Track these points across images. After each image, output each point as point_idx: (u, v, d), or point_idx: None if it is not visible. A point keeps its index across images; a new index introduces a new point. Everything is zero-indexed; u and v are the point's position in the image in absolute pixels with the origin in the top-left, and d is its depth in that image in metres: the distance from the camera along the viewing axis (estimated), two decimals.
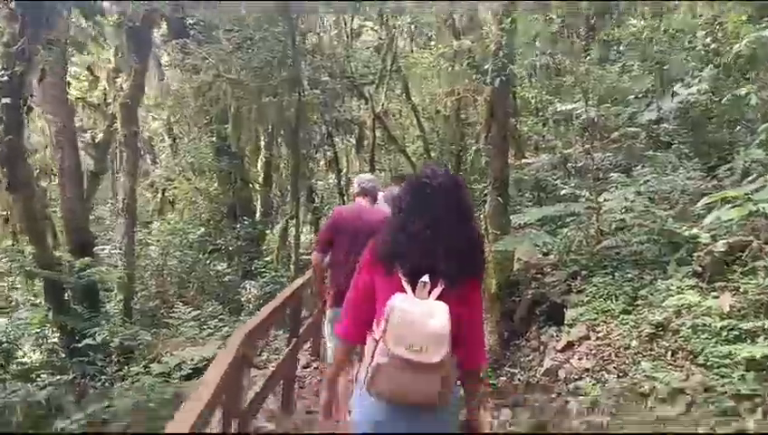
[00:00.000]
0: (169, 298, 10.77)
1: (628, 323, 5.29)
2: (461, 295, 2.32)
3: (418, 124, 16.57)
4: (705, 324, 4.64)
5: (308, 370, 8.27)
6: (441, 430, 2.38)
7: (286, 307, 6.47)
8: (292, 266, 11.41)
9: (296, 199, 12.76)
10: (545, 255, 8.05)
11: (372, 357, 2.26)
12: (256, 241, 13.90)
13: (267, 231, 14.87)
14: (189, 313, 9.07)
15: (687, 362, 4.44)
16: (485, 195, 8.36)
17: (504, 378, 6.97)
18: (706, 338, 4.54)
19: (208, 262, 12.19)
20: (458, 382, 2.41)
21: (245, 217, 13.89)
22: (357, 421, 2.43)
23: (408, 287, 2.28)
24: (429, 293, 2.27)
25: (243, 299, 11.36)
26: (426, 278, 2.26)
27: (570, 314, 6.08)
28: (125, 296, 9.14)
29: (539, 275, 7.41)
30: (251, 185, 15.30)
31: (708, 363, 4.31)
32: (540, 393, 5.41)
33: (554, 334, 6.18)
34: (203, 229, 13.33)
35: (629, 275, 6.08)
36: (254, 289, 11.26)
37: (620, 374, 4.71)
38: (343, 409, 3.19)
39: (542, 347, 6.67)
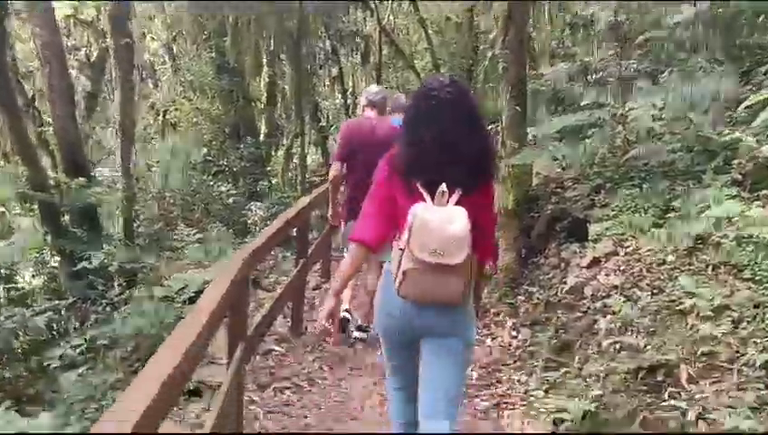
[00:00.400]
0: (173, 221, 10.45)
1: (660, 237, 4.88)
2: (475, 201, 2.47)
3: (426, 37, 15.75)
4: (749, 236, 4.22)
5: (317, 292, 8.00)
6: (460, 324, 2.59)
7: (291, 227, 6.11)
8: (298, 187, 11.03)
9: (301, 118, 12.24)
10: (564, 169, 7.59)
11: (399, 265, 2.44)
12: (261, 162, 13.48)
13: (272, 152, 14.43)
14: (194, 235, 8.77)
15: (731, 277, 4.05)
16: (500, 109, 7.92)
17: (522, 297, 6.66)
18: (752, 251, 4.13)
19: (212, 183, 11.79)
20: None
21: (249, 138, 13.40)
22: (382, 311, 2.68)
23: (427, 197, 2.41)
24: (447, 200, 2.41)
25: (249, 221, 11.04)
26: (444, 187, 2.39)
27: (594, 229, 5.68)
28: (125, 219, 8.79)
29: (559, 190, 6.98)
30: (254, 104, 14.73)
31: (756, 278, 3.92)
32: (563, 311, 5.08)
33: (577, 251, 5.79)
34: (206, 150, 12.85)
35: (660, 187, 5.63)
36: (260, 211, 10.93)
37: (654, 291, 4.34)
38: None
39: (562, 265, 6.31)
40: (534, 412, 4.39)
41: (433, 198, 2.41)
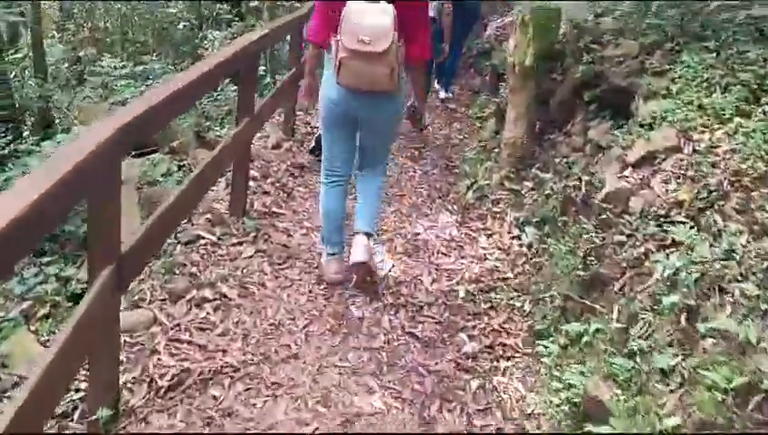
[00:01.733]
0: (105, 48, 8.46)
1: (751, 130, 3.32)
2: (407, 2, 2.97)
3: None
4: None
5: (277, 151, 6.44)
6: (391, 108, 3.30)
7: (226, 69, 4.36)
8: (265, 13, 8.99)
9: None
10: (603, 16, 5.77)
11: (336, 55, 3.00)
12: None
13: None
14: (126, 67, 6.95)
15: None
16: None
17: (530, 183, 5.19)
18: None
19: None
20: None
21: None
22: (326, 97, 3.34)
23: None
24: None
25: (205, 53, 9.10)
26: None
27: (646, 108, 4.08)
28: (34, 42, 6.83)
29: (595, 46, 5.23)
30: None
31: None
32: (596, 227, 3.63)
33: (618, 137, 4.22)
34: None
35: (749, 54, 3.97)
36: (218, 41, 8.94)
37: (744, 221, 2.87)
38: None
39: (588, 147, 4.76)
40: (543, 376, 3.09)
41: None
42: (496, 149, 5.90)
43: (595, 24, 5.53)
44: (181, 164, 5.29)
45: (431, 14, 5.57)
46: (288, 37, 6.64)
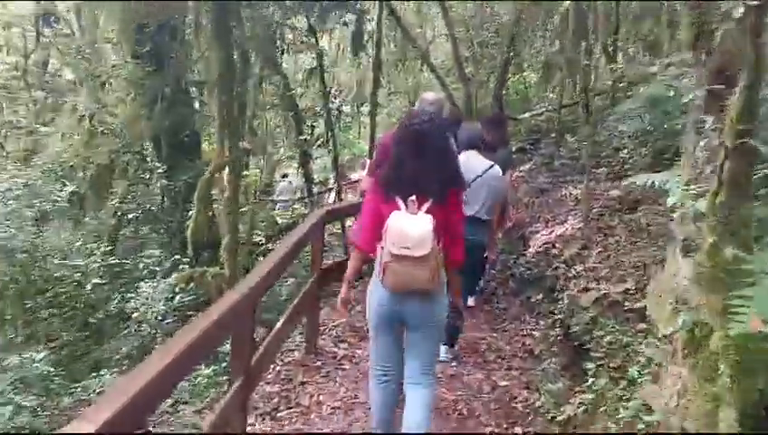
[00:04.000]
0: None
1: None
2: (444, 208, 3.14)
3: (445, 18, 11.12)
4: None
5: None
6: (433, 307, 3.27)
7: None
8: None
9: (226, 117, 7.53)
10: None
11: (381, 260, 3.15)
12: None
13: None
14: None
15: None
16: None
17: None
18: None
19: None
20: None
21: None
22: (374, 300, 3.34)
23: (402, 205, 3.11)
24: (418, 208, 3.10)
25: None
26: (413, 198, 3.11)
27: None
28: None
29: None
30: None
31: None
32: None
33: None
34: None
35: None
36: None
37: None
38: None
39: None
40: None
41: (407, 207, 3.11)
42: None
43: None
44: None
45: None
46: None
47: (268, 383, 4.71)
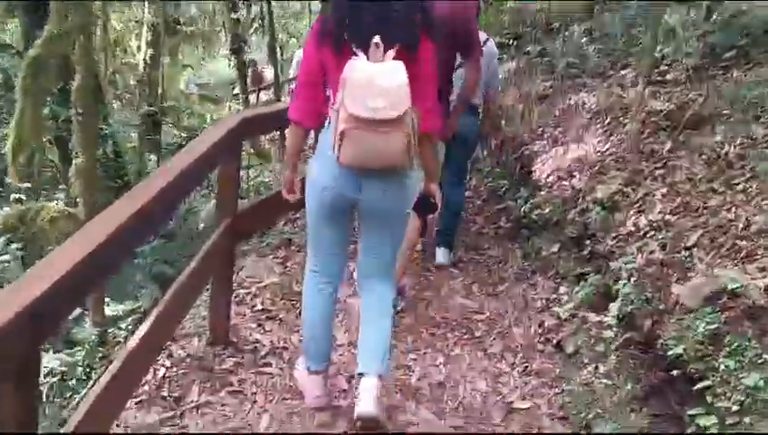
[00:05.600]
0: None
1: None
2: (415, 56, 2.30)
3: None
4: None
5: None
6: (403, 191, 2.49)
7: None
8: None
9: None
10: None
11: (336, 127, 2.27)
12: None
13: None
14: None
15: None
16: None
17: None
18: None
19: None
20: None
21: None
22: (317, 182, 2.50)
23: (361, 54, 2.25)
24: (384, 55, 2.23)
25: None
26: (377, 39, 2.21)
27: None
28: None
29: None
30: None
31: None
32: None
33: None
34: None
35: None
36: None
37: None
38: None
39: None
40: None
41: (368, 55, 2.24)
42: None
43: None
44: None
45: None
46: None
47: (139, 404, 2.81)
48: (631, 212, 3.77)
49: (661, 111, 4.83)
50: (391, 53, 2.25)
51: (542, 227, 4.75)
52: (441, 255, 4.56)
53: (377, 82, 2.20)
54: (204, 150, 2.72)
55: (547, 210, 4.75)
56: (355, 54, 2.27)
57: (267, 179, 7.14)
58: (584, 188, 4.49)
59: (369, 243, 2.67)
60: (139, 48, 10.30)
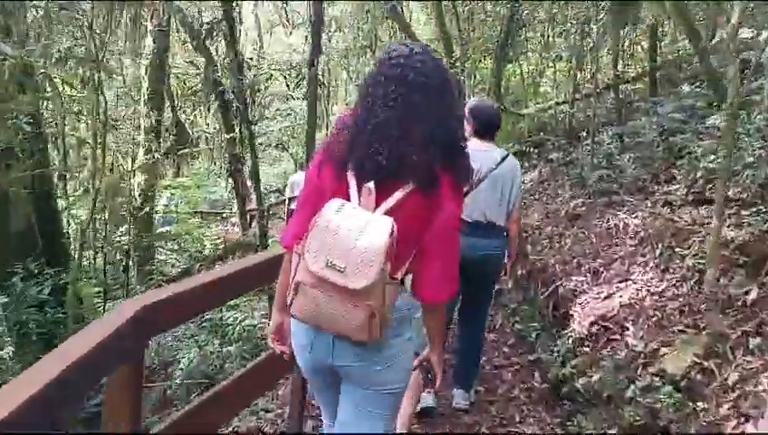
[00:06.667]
0: None
1: None
2: (429, 198, 1.77)
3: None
4: None
5: None
6: (384, 360, 1.91)
7: None
8: None
9: None
10: None
11: (294, 273, 1.85)
12: None
13: None
14: None
15: None
16: None
17: None
18: None
19: None
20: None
21: None
22: (293, 337, 2.05)
23: (354, 192, 1.80)
24: (381, 200, 1.77)
25: None
26: (370, 185, 1.78)
27: None
28: None
29: None
30: None
31: None
32: None
33: None
34: None
35: None
36: None
37: None
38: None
39: None
40: None
41: (359, 199, 1.80)
42: None
43: None
44: None
45: None
46: None
47: None
48: (722, 400, 2.64)
49: (732, 240, 3.78)
50: (398, 195, 1.77)
51: (589, 401, 3.58)
52: (459, 396, 3.91)
53: (344, 236, 1.71)
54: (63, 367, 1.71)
55: (595, 377, 3.61)
56: (348, 188, 1.82)
57: (256, 322, 6.11)
58: (644, 351, 3.37)
59: (344, 418, 2.08)
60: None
